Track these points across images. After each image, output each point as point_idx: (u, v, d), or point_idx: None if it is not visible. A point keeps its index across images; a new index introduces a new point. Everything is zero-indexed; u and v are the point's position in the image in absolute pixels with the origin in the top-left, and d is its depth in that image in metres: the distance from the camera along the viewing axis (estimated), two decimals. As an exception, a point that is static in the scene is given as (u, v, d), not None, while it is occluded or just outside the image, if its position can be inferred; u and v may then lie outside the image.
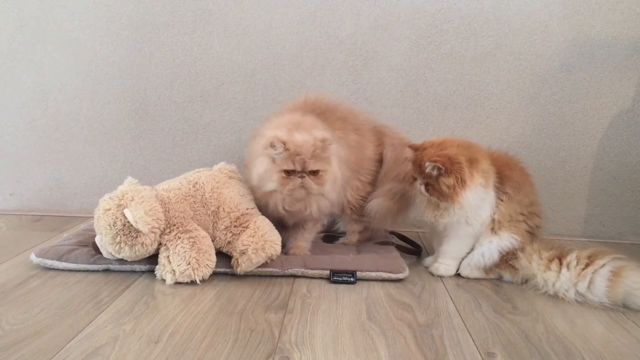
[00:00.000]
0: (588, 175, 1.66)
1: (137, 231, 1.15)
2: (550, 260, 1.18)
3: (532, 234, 1.26)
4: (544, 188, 1.64)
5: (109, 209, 1.16)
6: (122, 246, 1.16)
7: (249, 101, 1.69)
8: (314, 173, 1.21)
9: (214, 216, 1.25)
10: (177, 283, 1.17)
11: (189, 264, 1.16)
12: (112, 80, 1.71)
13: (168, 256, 1.18)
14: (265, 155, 1.21)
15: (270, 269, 1.23)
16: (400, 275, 1.23)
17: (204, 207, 1.25)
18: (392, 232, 1.54)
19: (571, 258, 1.16)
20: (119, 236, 1.15)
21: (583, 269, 1.14)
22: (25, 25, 1.69)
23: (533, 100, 1.63)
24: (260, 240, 1.19)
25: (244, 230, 1.22)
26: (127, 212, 1.13)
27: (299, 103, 1.38)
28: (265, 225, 1.23)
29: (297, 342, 0.92)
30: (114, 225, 1.15)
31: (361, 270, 1.23)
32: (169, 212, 1.21)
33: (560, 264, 1.17)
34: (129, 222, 1.13)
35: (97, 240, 1.20)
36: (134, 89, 1.72)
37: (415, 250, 1.45)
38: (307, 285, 1.19)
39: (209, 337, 0.93)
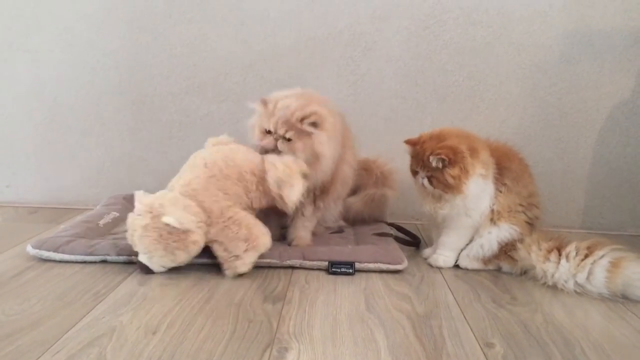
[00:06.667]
0: (587, 167, 1.66)
1: (185, 232, 1.12)
2: (549, 251, 1.18)
3: (531, 225, 1.25)
4: (543, 179, 1.63)
5: (147, 224, 1.12)
6: (176, 253, 1.13)
7: (247, 92, 1.68)
8: (287, 140, 1.23)
9: (240, 182, 1.22)
10: (180, 273, 1.16)
11: (247, 240, 1.15)
12: (108, 71, 1.70)
13: (225, 249, 1.16)
14: (255, 112, 1.29)
15: (268, 260, 1.22)
16: (399, 267, 1.23)
17: (227, 179, 1.21)
18: (391, 224, 1.54)
19: (570, 249, 1.16)
20: (169, 245, 1.12)
21: (582, 260, 1.14)
22: (20, 15, 1.68)
23: (532, 91, 1.62)
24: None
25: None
26: (167, 218, 1.10)
27: None
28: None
29: (296, 333, 0.92)
30: (160, 238, 1.12)
31: (360, 262, 1.23)
32: (203, 202, 1.18)
33: (560, 254, 1.17)
34: (173, 227, 1.10)
35: (143, 259, 1.15)
36: (130, 80, 1.70)
37: (413, 241, 1.44)
38: (305, 277, 1.19)
39: (206, 327, 0.93)
